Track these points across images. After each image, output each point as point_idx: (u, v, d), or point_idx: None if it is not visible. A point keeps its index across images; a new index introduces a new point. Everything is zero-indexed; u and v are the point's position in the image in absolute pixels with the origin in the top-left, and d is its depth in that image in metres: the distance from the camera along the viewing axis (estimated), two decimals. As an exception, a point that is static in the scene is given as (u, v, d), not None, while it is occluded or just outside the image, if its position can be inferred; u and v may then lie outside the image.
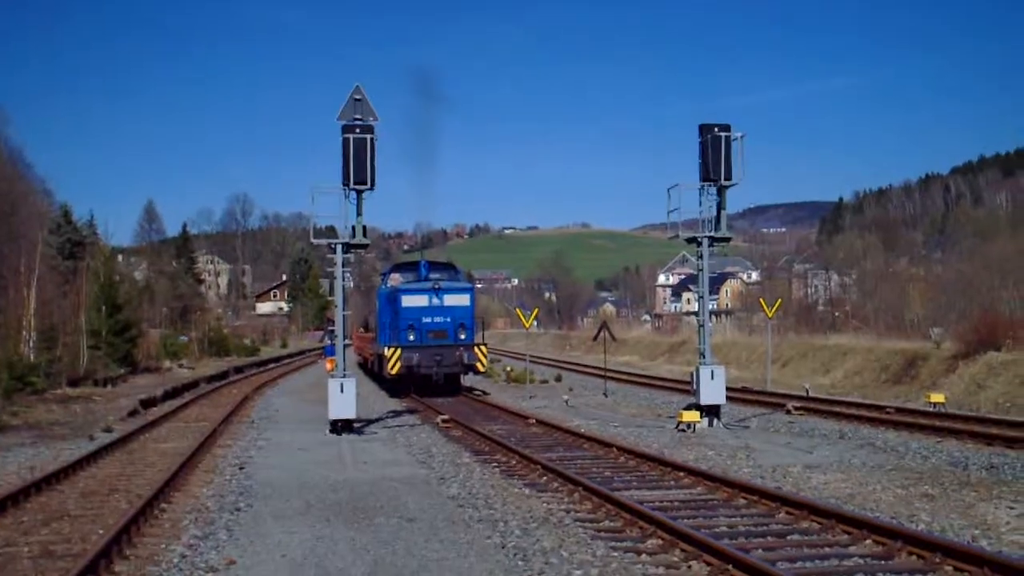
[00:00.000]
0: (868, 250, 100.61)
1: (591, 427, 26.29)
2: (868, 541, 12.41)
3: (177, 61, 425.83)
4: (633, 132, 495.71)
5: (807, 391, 36.22)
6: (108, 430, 26.63)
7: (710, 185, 26.30)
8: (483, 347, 38.07)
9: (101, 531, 13.41)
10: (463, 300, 38.31)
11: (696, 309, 28.05)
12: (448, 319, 37.52)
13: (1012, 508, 14.51)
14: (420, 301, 37.51)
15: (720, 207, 26.49)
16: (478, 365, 37.53)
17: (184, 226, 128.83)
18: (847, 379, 43.57)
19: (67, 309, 46.66)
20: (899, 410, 29.20)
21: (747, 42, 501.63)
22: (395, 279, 41.83)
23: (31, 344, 40.83)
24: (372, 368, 48.65)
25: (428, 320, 37.40)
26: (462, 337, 37.48)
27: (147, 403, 35.50)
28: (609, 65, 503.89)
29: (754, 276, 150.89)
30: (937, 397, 29.53)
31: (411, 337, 37.11)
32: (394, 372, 36.60)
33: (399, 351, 36.46)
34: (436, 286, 37.68)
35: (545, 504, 15.47)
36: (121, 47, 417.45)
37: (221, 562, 11.88)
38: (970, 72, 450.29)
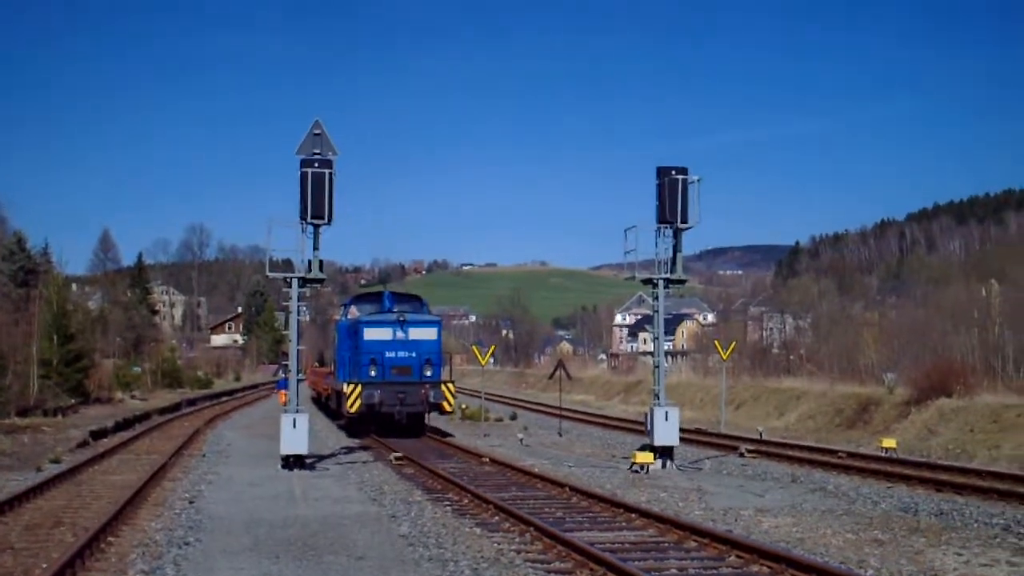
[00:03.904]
0: (823, 294, 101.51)
1: (545, 466, 26.24)
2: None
3: (135, 90, 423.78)
4: (592, 172, 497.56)
5: (761, 434, 36.35)
6: (56, 461, 26.32)
7: (666, 227, 26.48)
8: (450, 385, 35.61)
9: (45, 565, 13.22)
10: (430, 334, 35.84)
11: (652, 349, 28.12)
12: (413, 354, 35.03)
13: (960, 555, 14.61)
14: (383, 334, 34.98)
15: (676, 249, 26.67)
16: (444, 404, 35.08)
17: (140, 256, 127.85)
18: (800, 422, 43.77)
19: (18, 337, 46.15)
20: (851, 455, 29.37)
21: (707, 86, 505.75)
22: (356, 311, 39.44)
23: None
24: (328, 404, 48.14)
25: (392, 355, 34.86)
26: (428, 374, 35.06)
27: (97, 434, 35.12)
28: (568, 104, 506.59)
29: (710, 318, 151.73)
30: (889, 442, 29.75)
31: (373, 373, 34.65)
32: (353, 410, 34.29)
33: (359, 388, 34.09)
34: (401, 318, 35.21)
35: (496, 544, 15.40)
36: (79, 75, 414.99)
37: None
38: (925, 121, 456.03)
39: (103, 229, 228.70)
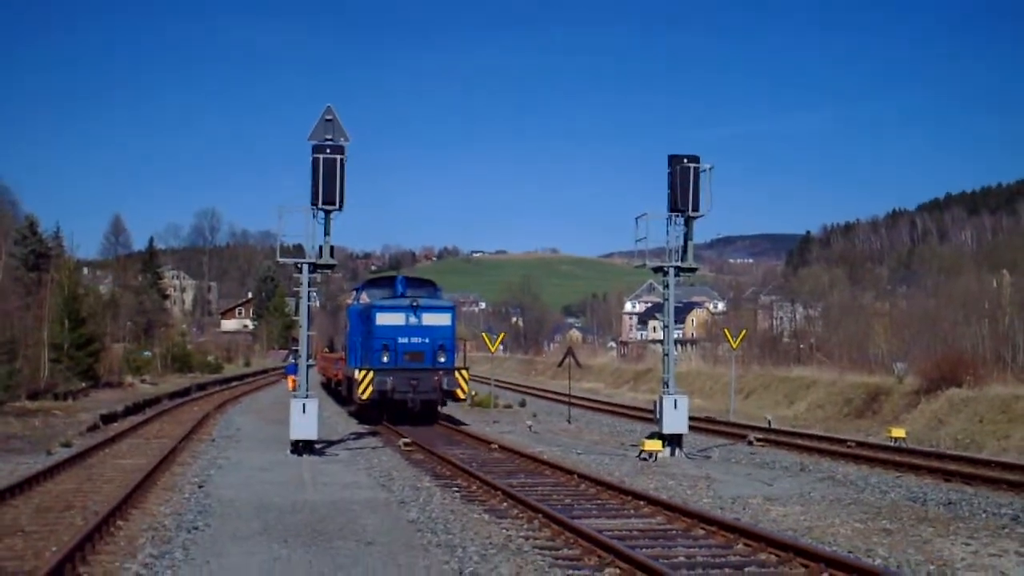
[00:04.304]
0: (834, 283, 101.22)
1: (554, 454, 26.26)
2: (825, 575, 12.43)
3: (148, 77, 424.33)
4: (602, 160, 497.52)
5: (769, 423, 36.35)
6: (67, 445, 26.43)
7: (678, 215, 26.42)
8: (464, 372, 34.80)
9: (55, 548, 13.27)
10: (444, 320, 35.02)
11: (661, 337, 28.12)
12: (427, 340, 34.28)
13: (968, 544, 14.59)
14: (396, 319, 34.17)
15: (687, 237, 26.63)
16: (458, 392, 34.33)
17: (151, 241, 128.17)
18: (810, 411, 43.73)
19: (29, 321, 46.30)
20: (860, 444, 29.36)
21: (718, 77, 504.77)
22: (368, 295, 38.37)
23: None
24: (338, 390, 48.06)
25: (404, 340, 34.12)
26: (441, 360, 34.34)
27: (108, 418, 35.24)
28: (581, 92, 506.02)
29: (720, 306, 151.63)
30: (898, 432, 29.70)
31: (385, 359, 33.89)
32: (365, 397, 33.55)
33: (371, 374, 33.32)
34: (414, 303, 34.37)
35: (504, 530, 15.43)
36: (92, 62, 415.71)
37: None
38: (938, 111, 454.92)
39: (114, 214, 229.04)
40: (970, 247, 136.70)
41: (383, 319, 34.39)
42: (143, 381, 58.65)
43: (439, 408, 36.34)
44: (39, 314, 47.72)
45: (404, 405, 33.85)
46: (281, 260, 29.08)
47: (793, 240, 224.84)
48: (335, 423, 35.93)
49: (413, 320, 34.29)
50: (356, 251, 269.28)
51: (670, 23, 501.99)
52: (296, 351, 29.50)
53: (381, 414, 34.86)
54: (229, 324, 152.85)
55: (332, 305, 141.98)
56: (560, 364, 46.17)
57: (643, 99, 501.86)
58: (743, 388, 51.06)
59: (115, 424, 34.52)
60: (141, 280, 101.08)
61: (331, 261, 26.77)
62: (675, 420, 26.22)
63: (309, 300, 26.92)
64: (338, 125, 26.33)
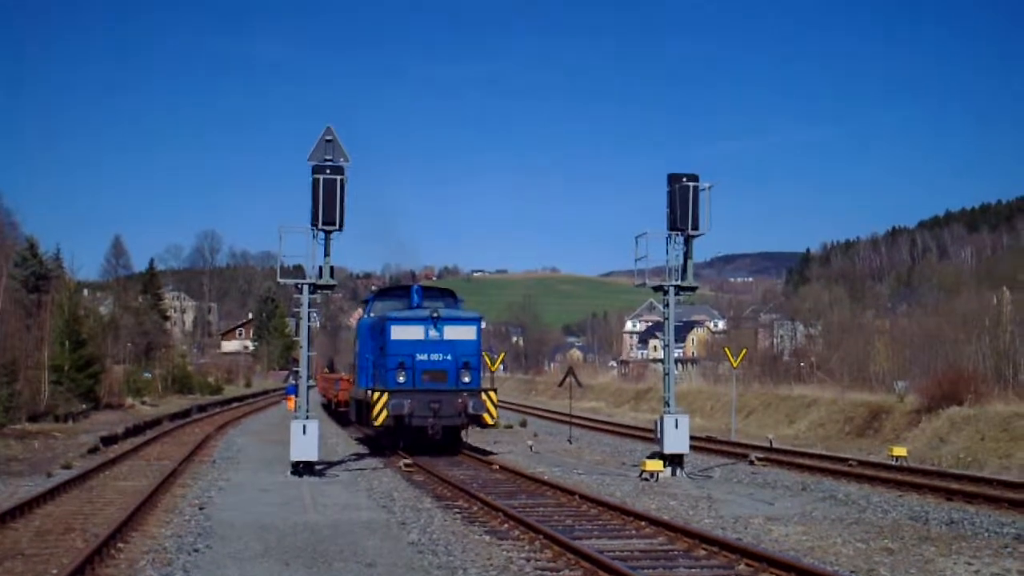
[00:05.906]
0: (834, 302, 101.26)
1: (554, 474, 26.24)
2: (827, 595, 12.41)
3: (146, 96, 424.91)
4: (603, 178, 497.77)
5: (771, 442, 36.27)
6: (67, 467, 26.38)
7: (677, 234, 26.49)
8: (492, 393, 30.98)
9: (55, 571, 13.26)
10: (468, 333, 31.23)
11: (662, 356, 28.10)
12: (449, 357, 30.55)
13: (970, 564, 14.57)
14: (414, 333, 30.55)
15: (687, 256, 26.69)
16: (486, 416, 30.37)
17: (151, 262, 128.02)
18: (811, 430, 43.66)
19: (30, 343, 46.24)
20: (861, 463, 29.29)
21: (717, 93, 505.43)
22: (381, 307, 34.59)
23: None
24: (338, 411, 47.95)
25: (424, 357, 30.41)
26: (466, 380, 30.57)
27: (108, 440, 35.18)
28: (580, 110, 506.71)
29: (720, 325, 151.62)
30: (899, 451, 29.66)
31: (401, 379, 30.24)
32: (379, 423, 29.77)
33: (386, 396, 29.57)
34: (435, 315, 30.61)
35: (506, 552, 15.39)
36: (90, 81, 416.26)
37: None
38: (938, 128, 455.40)
39: (115, 235, 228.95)
40: (970, 264, 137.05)
41: (399, 333, 30.80)
42: (144, 403, 58.61)
43: (465, 436, 32.94)
44: (39, 336, 47.70)
45: (423, 432, 30.20)
46: (281, 281, 29.08)
47: (793, 258, 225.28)
48: (335, 444, 35.91)
49: (433, 334, 30.69)
50: (356, 271, 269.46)
51: (668, 39, 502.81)
52: (296, 372, 29.37)
53: (396, 441, 31.52)
54: (230, 345, 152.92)
55: (332, 325, 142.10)
56: (561, 384, 46.15)
57: (642, 116, 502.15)
58: (744, 407, 51.00)
59: (115, 446, 34.46)
60: (141, 301, 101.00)
61: (331, 281, 26.83)
62: (676, 440, 26.20)
63: (309, 320, 26.95)
64: (338, 145, 26.41)
